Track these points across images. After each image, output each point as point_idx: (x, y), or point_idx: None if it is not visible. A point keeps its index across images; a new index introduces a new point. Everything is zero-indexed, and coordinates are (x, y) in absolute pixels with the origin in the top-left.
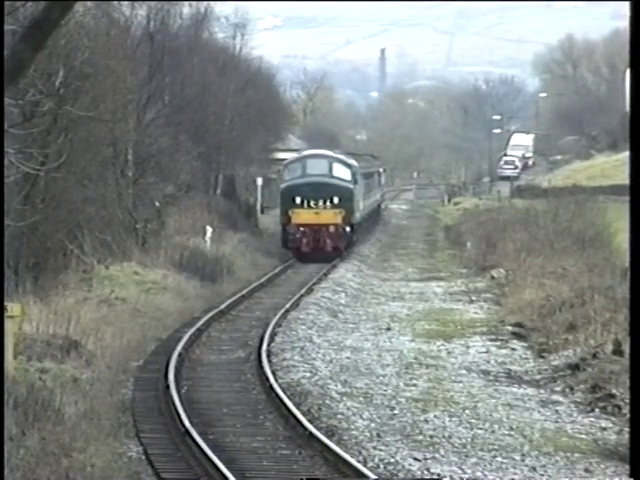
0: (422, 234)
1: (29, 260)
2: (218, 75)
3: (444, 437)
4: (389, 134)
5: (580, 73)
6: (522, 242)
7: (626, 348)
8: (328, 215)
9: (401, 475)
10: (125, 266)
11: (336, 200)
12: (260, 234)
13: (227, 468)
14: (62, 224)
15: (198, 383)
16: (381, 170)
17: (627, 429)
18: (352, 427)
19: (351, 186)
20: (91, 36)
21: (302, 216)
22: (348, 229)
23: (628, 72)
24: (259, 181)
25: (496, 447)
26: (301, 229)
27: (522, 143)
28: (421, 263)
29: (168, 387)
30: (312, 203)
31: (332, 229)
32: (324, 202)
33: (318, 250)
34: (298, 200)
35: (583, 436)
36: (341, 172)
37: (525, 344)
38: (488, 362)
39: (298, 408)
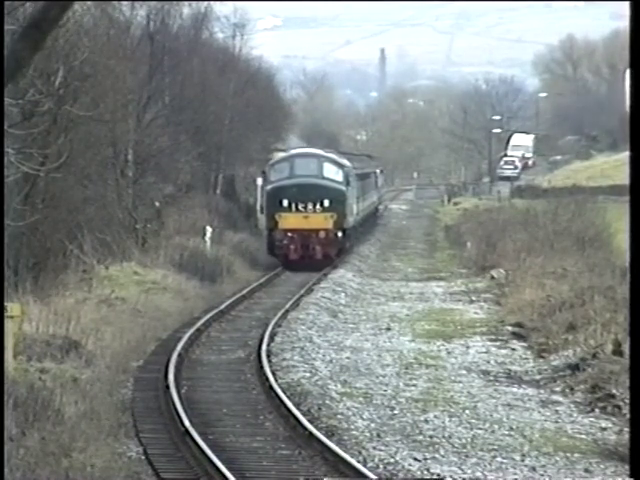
0: (422, 234)
1: (29, 260)
2: (218, 75)
3: (444, 437)
4: (389, 134)
5: (580, 73)
6: (522, 242)
7: (626, 348)
8: (318, 219)
9: (401, 475)
10: (125, 266)
11: (327, 203)
12: (260, 234)
13: (227, 468)
14: (62, 224)
15: (198, 383)
16: (378, 171)
17: (627, 429)
18: (352, 427)
19: (343, 188)
20: (91, 36)
21: (290, 220)
22: (340, 235)
23: (628, 72)
24: (259, 181)
25: (496, 447)
26: (289, 235)
27: (522, 143)
28: (421, 263)
29: (168, 387)
30: (301, 206)
31: (322, 235)
32: (314, 205)
33: (307, 258)
34: (285, 203)
35: (583, 436)
36: (332, 173)
37: (525, 344)
38: (488, 362)
39: (298, 408)
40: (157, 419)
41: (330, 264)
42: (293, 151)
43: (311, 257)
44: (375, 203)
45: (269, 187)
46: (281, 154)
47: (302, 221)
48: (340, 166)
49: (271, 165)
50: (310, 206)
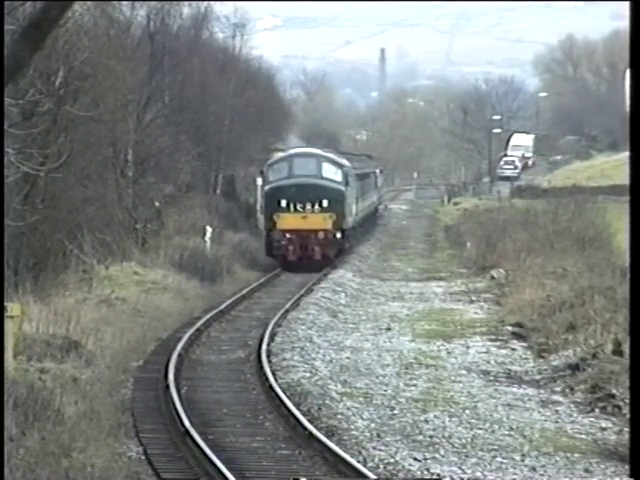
0: (422, 234)
1: (29, 260)
2: (218, 75)
3: (444, 437)
4: (389, 134)
5: (580, 73)
6: (522, 242)
7: (626, 348)
8: (317, 220)
9: (401, 475)
10: (125, 266)
11: (325, 203)
12: (260, 234)
13: (227, 468)
14: (62, 224)
15: (198, 383)
16: (377, 171)
17: (627, 429)
18: (352, 427)
19: (342, 188)
20: (91, 36)
21: (288, 221)
22: (339, 235)
23: (628, 72)
24: (259, 181)
25: (496, 447)
26: (287, 235)
27: (522, 143)
28: (421, 263)
29: (168, 387)
30: (299, 207)
31: (321, 235)
32: (312, 205)
33: (306, 259)
34: (284, 203)
35: (583, 436)
36: (331, 173)
37: (525, 344)
38: (488, 362)
39: (298, 408)
40: (157, 419)
41: (329, 265)
42: (292, 151)
43: (310, 258)
44: (375, 203)
45: (267, 187)
46: (280, 154)
47: (300, 221)
48: (339, 166)
49: (269, 165)
50: (309, 206)
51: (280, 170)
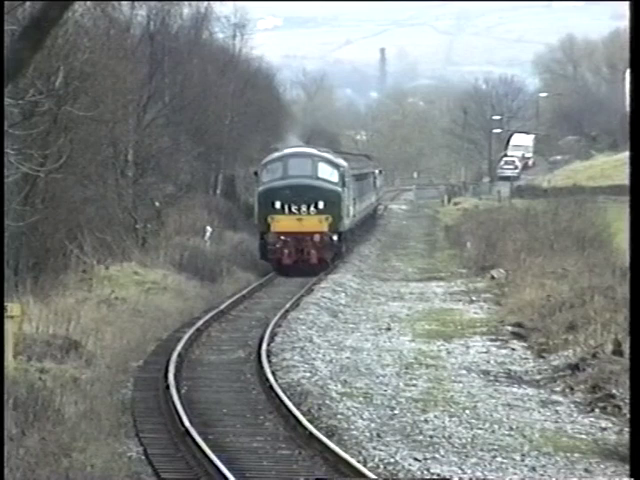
0: (422, 234)
1: (29, 260)
2: (218, 75)
3: (444, 437)
4: (389, 134)
5: (580, 73)
6: (522, 242)
7: (626, 348)
8: (312, 222)
9: (401, 475)
10: (125, 266)
11: (321, 205)
12: None
13: (227, 468)
14: (62, 224)
15: (198, 383)
16: (376, 172)
17: (627, 429)
18: (352, 427)
19: (339, 189)
20: (91, 36)
21: (283, 223)
22: (335, 238)
23: (628, 72)
24: None
25: (496, 447)
26: (282, 238)
27: (522, 143)
28: (421, 263)
29: (168, 387)
30: (294, 208)
31: (317, 238)
32: (308, 207)
33: (301, 262)
34: (278, 205)
35: (583, 436)
36: (327, 173)
37: (525, 344)
38: (488, 362)
39: (298, 408)
40: (157, 419)
41: (325, 269)
42: (287, 150)
43: (305, 262)
44: (373, 205)
45: (261, 188)
46: (274, 153)
47: (296, 224)
48: (335, 166)
49: (263, 165)
50: (304, 208)
51: (274, 170)
